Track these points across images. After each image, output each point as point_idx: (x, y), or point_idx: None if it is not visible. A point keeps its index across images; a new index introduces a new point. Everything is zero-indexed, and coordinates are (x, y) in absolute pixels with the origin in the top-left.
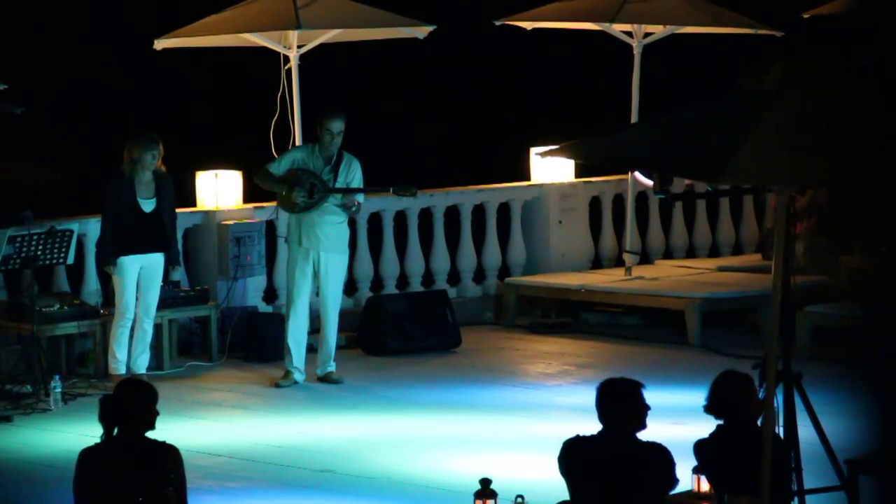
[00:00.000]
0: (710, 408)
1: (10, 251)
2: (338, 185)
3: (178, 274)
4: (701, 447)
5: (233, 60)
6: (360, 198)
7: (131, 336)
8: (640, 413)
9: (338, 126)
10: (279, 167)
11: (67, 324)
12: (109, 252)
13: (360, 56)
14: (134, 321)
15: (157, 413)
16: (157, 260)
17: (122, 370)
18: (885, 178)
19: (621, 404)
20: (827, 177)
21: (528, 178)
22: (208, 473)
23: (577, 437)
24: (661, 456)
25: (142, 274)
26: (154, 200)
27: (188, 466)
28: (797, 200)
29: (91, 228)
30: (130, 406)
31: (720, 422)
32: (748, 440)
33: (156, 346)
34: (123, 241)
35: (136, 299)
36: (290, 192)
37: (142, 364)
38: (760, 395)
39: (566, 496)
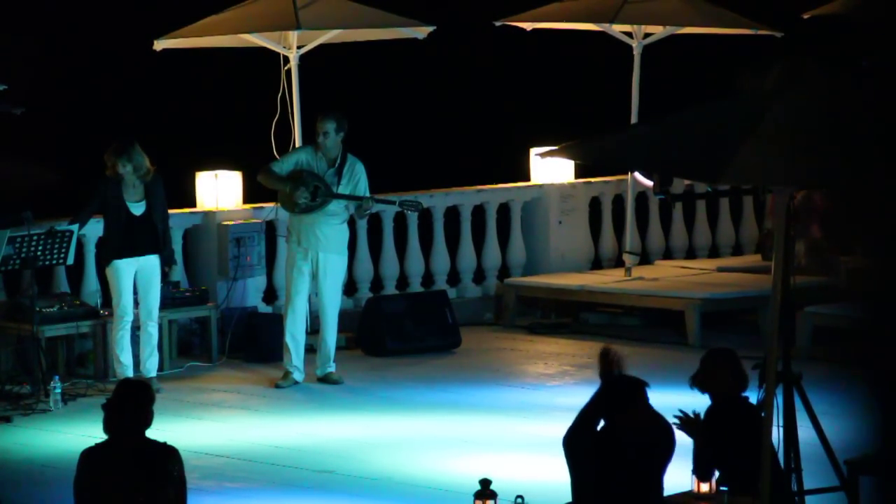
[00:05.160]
0: (694, 380)
1: (9, 252)
2: (342, 188)
3: (177, 274)
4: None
5: (233, 61)
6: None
7: (135, 339)
8: (643, 412)
9: (327, 126)
10: (282, 167)
11: (67, 324)
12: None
13: (360, 56)
14: (138, 325)
15: (153, 413)
16: (152, 262)
17: (129, 373)
18: (885, 179)
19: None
20: (827, 177)
21: (528, 179)
22: (208, 473)
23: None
24: (663, 429)
25: (138, 277)
26: (144, 203)
27: (188, 467)
28: (794, 198)
29: (91, 229)
30: (128, 408)
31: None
32: (731, 413)
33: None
34: (116, 244)
35: (136, 303)
36: (294, 191)
37: (151, 367)
38: (761, 394)
39: (567, 496)
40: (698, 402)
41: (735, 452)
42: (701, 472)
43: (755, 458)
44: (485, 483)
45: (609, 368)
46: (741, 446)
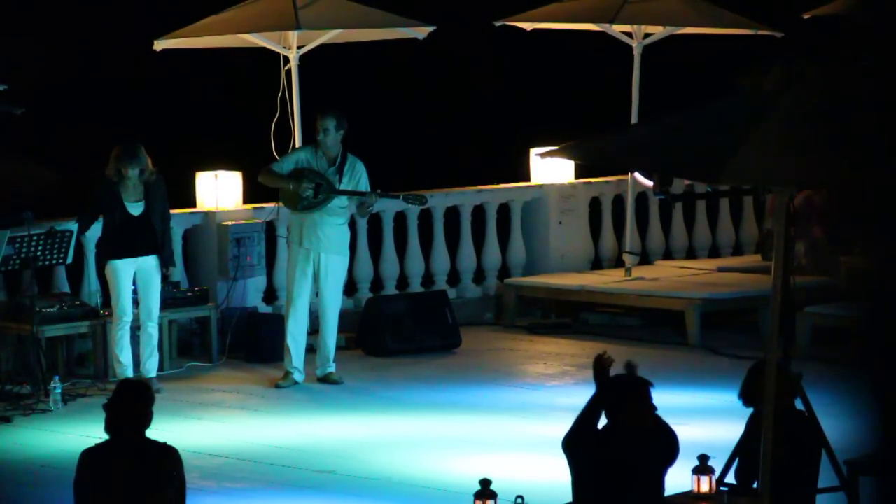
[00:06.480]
0: (742, 394)
1: (9, 252)
2: (343, 187)
3: (177, 274)
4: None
5: (233, 61)
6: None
7: (135, 339)
8: (646, 412)
9: (327, 123)
10: (283, 167)
11: (67, 324)
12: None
13: (360, 56)
14: (138, 325)
15: (153, 413)
16: (150, 262)
17: (129, 373)
18: (885, 179)
19: (625, 402)
20: (827, 177)
21: (528, 179)
22: (208, 474)
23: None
24: (665, 430)
25: (137, 277)
26: (142, 203)
27: (188, 466)
28: (794, 199)
29: (91, 229)
30: (128, 408)
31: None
32: (784, 421)
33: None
34: (115, 244)
35: (135, 303)
36: (297, 188)
37: (151, 368)
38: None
39: (567, 496)
40: (697, 402)
41: (788, 458)
42: (744, 482)
43: (806, 463)
44: (485, 483)
45: (603, 373)
46: (794, 451)
